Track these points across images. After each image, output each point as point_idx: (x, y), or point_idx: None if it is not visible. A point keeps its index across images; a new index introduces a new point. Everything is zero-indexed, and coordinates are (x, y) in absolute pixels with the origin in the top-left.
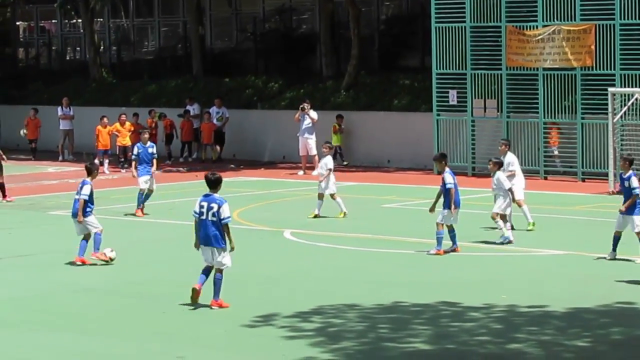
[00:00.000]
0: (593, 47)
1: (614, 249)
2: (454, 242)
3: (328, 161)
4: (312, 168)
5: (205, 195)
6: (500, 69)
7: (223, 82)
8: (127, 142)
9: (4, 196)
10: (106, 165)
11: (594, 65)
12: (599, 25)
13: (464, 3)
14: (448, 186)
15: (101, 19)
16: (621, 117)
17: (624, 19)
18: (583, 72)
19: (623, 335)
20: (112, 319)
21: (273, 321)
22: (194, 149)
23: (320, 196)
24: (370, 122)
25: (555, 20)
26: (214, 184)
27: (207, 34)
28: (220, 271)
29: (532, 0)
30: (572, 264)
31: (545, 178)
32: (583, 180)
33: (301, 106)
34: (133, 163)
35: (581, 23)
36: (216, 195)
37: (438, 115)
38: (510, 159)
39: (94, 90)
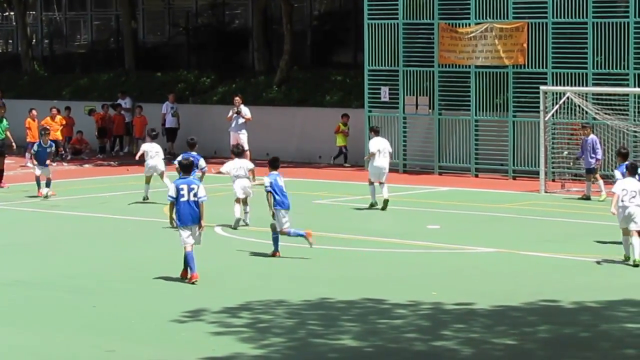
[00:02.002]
0: (525, 45)
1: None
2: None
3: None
4: None
5: (182, 179)
6: (433, 66)
7: (155, 77)
8: (59, 136)
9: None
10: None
11: (526, 63)
12: (532, 23)
13: (396, 0)
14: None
15: (34, 12)
16: (552, 115)
17: (557, 17)
18: (515, 70)
19: (550, 333)
20: (42, 313)
21: (202, 316)
22: (126, 143)
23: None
24: (302, 118)
25: (487, 18)
26: (188, 168)
27: (139, 28)
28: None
29: None
30: (502, 261)
31: (477, 176)
32: (514, 178)
33: (236, 109)
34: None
35: (514, 21)
36: (191, 177)
37: (370, 111)
38: None
39: (25, 83)
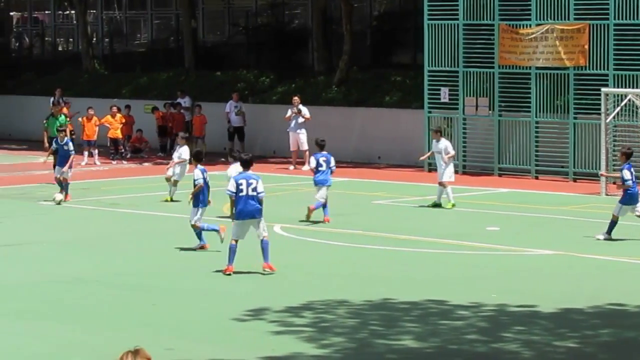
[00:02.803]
0: (586, 46)
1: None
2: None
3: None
4: (303, 163)
5: (241, 174)
6: (493, 67)
7: (214, 76)
8: (118, 134)
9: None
10: (96, 156)
11: (587, 64)
12: (593, 24)
13: (457, 0)
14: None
15: (94, 11)
16: (614, 117)
17: (618, 18)
18: (576, 72)
19: (612, 337)
20: (101, 310)
21: (263, 316)
22: None
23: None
24: (361, 118)
25: (548, 19)
26: (249, 163)
27: (199, 27)
28: (266, 237)
29: None
30: (562, 264)
31: (537, 177)
32: (574, 180)
33: (296, 109)
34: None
35: (575, 22)
36: (251, 172)
37: (429, 112)
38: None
39: (85, 81)
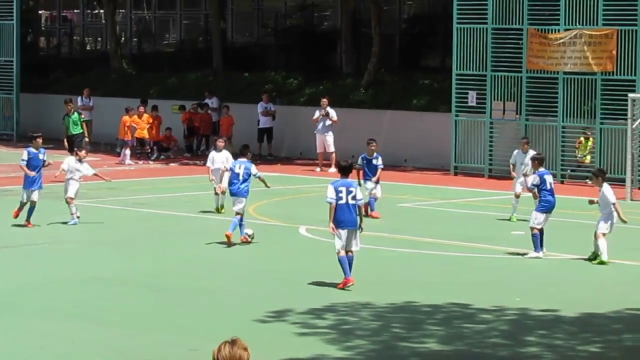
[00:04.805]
0: (614, 52)
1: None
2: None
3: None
4: (329, 165)
5: (339, 181)
6: (521, 72)
7: (243, 77)
8: (145, 134)
9: None
10: (128, 156)
11: (615, 70)
12: (621, 30)
13: (486, 4)
14: None
15: (123, 10)
16: None
17: None
18: (603, 77)
19: (635, 342)
20: (125, 310)
21: (286, 317)
22: (212, 143)
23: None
24: (388, 121)
25: (577, 24)
26: (347, 170)
27: (228, 28)
28: (356, 250)
29: (554, 4)
30: (586, 269)
31: (562, 182)
32: None
33: (324, 111)
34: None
35: (603, 28)
36: (348, 179)
37: (457, 116)
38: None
39: (114, 81)
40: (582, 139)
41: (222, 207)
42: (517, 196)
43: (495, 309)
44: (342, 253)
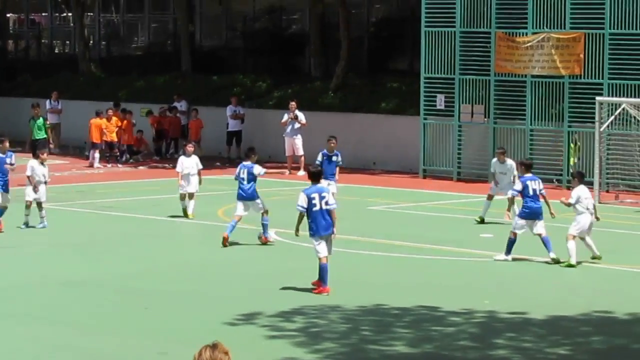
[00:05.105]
0: (582, 55)
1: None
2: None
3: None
4: (298, 168)
5: (312, 187)
6: (489, 75)
7: (211, 80)
8: (114, 137)
9: None
10: (96, 160)
11: (583, 73)
12: (589, 34)
13: (454, 8)
14: None
15: (91, 13)
16: (608, 126)
17: (614, 28)
18: (571, 81)
19: (604, 344)
20: (93, 313)
21: (255, 320)
22: (180, 146)
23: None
24: (357, 124)
25: (545, 27)
26: (318, 176)
27: (196, 32)
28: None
29: (522, 7)
30: (555, 271)
31: None
32: (568, 188)
33: (292, 114)
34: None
35: (571, 31)
36: (320, 185)
37: (425, 119)
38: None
39: (82, 84)
40: (572, 144)
41: (186, 211)
42: (490, 198)
43: (464, 311)
44: (324, 260)
